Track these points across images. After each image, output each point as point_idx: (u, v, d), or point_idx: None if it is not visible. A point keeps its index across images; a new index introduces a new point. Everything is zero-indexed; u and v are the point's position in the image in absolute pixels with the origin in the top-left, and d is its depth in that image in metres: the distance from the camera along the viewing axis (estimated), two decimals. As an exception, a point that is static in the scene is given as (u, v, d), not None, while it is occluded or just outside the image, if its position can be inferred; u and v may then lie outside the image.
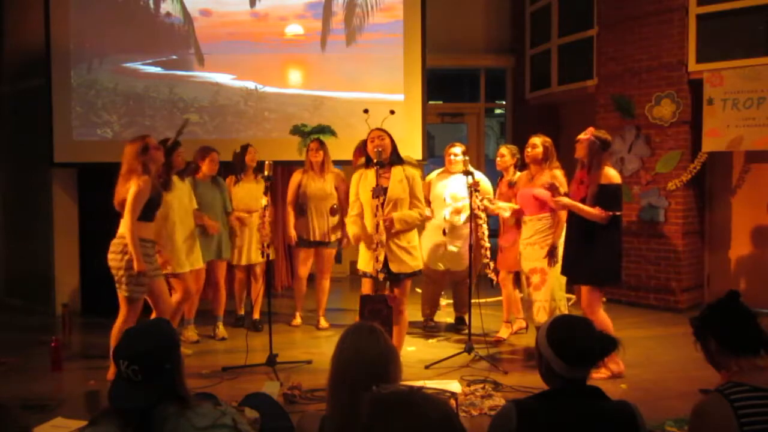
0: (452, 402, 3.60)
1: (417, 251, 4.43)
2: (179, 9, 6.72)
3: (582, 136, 4.35)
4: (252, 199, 5.59)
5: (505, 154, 5.39)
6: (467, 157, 5.21)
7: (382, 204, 4.20)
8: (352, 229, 4.44)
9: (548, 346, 1.96)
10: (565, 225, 4.73)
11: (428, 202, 5.41)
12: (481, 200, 5.03)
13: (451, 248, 5.42)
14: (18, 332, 5.91)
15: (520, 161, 5.33)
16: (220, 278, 5.53)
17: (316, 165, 5.71)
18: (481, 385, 4.12)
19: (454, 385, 4.15)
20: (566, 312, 4.65)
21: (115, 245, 4.20)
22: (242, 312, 6.00)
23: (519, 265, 4.95)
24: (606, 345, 1.97)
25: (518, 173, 5.24)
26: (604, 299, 4.80)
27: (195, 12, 6.74)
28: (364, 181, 4.36)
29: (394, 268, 4.27)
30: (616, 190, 4.26)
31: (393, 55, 6.73)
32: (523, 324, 5.50)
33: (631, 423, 1.89)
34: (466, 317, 5.25)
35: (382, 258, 4.21)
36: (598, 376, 4.17)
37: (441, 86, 9.07)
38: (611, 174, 4.27)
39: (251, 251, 5.67)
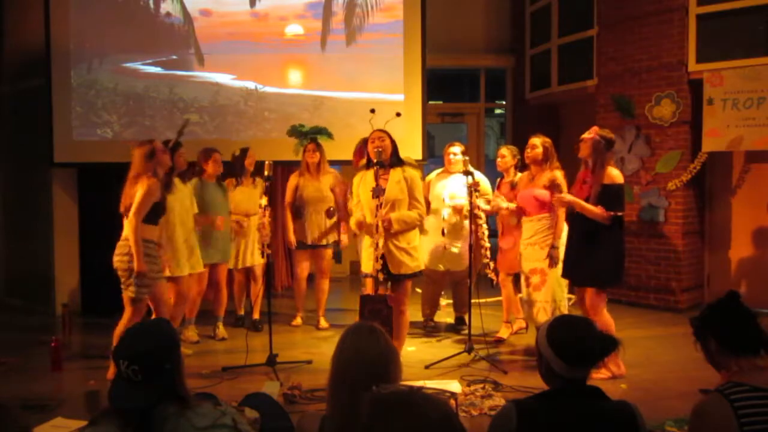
0: (452, 402, 3.61)
1: (417, 252, 4.43)
2: (179, 9, 6.72)
3: (586, 135, 4.35)
4: (250, 203, 5.60)
5: (506, 154, 5.39)
6: (467, 157, 5.21)
7: (380, 205, 4.20)
8: (353, 220, 4.43)
9: (548, 346, 1.96)
10: (564, 225, 4.74)
11: (428, 202, 5.41)
12: (479, 198, 5.04)
13: (452, 249, 5.42)
14: (18, 332, 5.91)
15: (520, 162, 5.32)
16: (221, 280, 5.53)
17: (312, 166, 5.71)
18: (481, 385, 4.12)
19: (454, 385, 4.15)
20: (567, 312, 4.65)
21: (120, 247, 4.22)
22: (242, 312, 6.00)
23: (518, 266, 4.94)
24: (606, 345, 1.97)
25: (519, 174, 5.23)
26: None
27: (195, 12, 6.74)
28: (363, 182, 4.37)
29: (393, 269, 4.27)
30: (619, 190, 4.26)
31: (393, 55, 6.73)
32: (523, 324, 5.50)
33: (631, 423, 1.89)
34: (466, 317, 5.25)
35: (380, 259, 4.21)
36: (599, 377, 4.16)
37: (441, 86, 9.07)
38: (614, 174, 4.26)
39: (249, 254, 5.68)
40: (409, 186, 4.33)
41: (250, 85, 6.74)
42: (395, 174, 4.33)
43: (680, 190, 6.33)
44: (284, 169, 6.70)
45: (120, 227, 4.30)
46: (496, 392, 4.01)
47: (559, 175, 4.72)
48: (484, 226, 5.28)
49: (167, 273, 4.75)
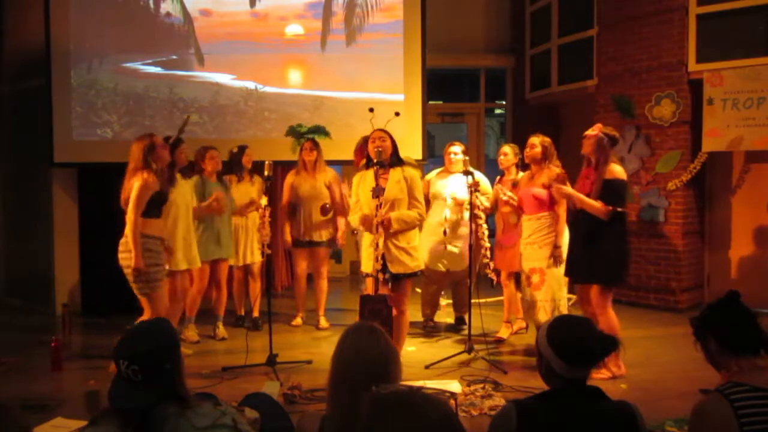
0: (451, 402, 3.61)
1: (417, 252, 4.43)
2: (179, 9, 6.72)
3: (590, 132, 4.35)
4: (247, 200, 5.62)
5: (508, 152, 5.39)
6: (467, 157, 5.21)
7: (380, 204, 4.20)
8: (356, 218, 4.41)
9: (548, 346, 1.96)
10: (565, 225, 4.74)
11: (427, 201, 5.41)
12: (480, 197, 5.05)
13: (452, 248, 5.42)
14: (18, 332, 5.91)
15: (521, 161, 5.33)
16: (222, 277, 5.54)
17: (309, 164, 5.72)
18: (481, 385, 4.12)
19: (454, 385, 4.15)
20: (566, 312, 4.65)
21: (123, 244, 4.22)
22: (242, 312, 6.01)
23: (518, 266, 4.94)
24: (606, 345, 1.97)
25: (521, 173, 5.23)
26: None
27: (195, 12, 6.75)
28: (363, 182, 4.37)
29: (392, 269, 4.27)
30: (620, 186, 4.24)
31: (393, 55, 6.73)
32: (523, 324, 5.50)
33: (631, 423, 1.89)
34: (466, 317, 5.25)
35: (380, 258, 4.21)
36: (599, 377, 4.16)
37: (441, 86, 9.06)
38: (616, 170, 4.26)
39: (248, 251, 5.69)
40: (408, 186, 4.33)
41: (250, 85, 6.74)
42: (395, 174, 4.33)
43: (680, 190, 6.33)
44: (284, 168, 6.69)
45: (121, 226, 4.28)
46: (496, 392, 4.01)
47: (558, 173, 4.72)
48: (484, 226, 5.28)
49: (166, 267, 4.74)
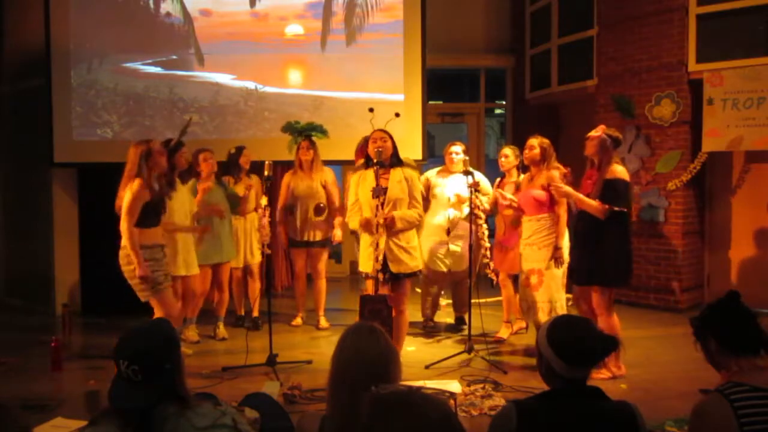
0: (451, 402, 3.61)
1: (416, 251, 4.43)
2: (179, 9, 6.72)
3: (593, 133, 4.35)
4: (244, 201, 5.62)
5: (509, 154, 5.38)
6: (467, 157, 5.22)
7: (382, 204, 4.20)
8: (355, 221, 4.40)
9: (548, 346, 1.96)
10: (565, 226, 4.74)
11: (425, 200, 5.40)
12: (480, 197, 5.04)
13: (454, 248, 5.42)
14: (18, 332, 5.91)
15: (522, 163, 5.32)
16: (224, 280, 5.54)
17: (305, 164, 5.72)
18: (481, 385, 4.12)
19: (454, 385, 4.15)
20: (565, 312, 4.65)
21: (122, 257, 4.21)
22: (242, 312, 6.01)
23: (517, 266, 4.94)
24: (606, 345, 1.97)
25: (522, 175, 5.23)
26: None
27: (195, 12, 6.75)
28: (363, 182, 4.37)
29: (393, 268, 4.27)
30: (620, 186, 4.22)
31: (393, 55, 6.73)
32: (523, 324, 5.50)
33: (631, 423, 1.89)
34: (466, 317, 5.26)
35: (381, 258, 4.21)
36: (599, 377, 4.16)
37: (441, 86, 9.06)
38: (618, 170, 4.26)
39: (247, 251, 5.69)
40: (409, 186, 4.35)
41: (250, 85, 6.74)
42: (396, 174, 4.34)
43: (680, 190, 6.33)
44: (284, 168, 6.68)
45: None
46: (496, 392, 4.01)
47: (555, 174, 4.72)
48: (484, 226, 5.28)
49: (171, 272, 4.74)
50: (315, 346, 5.27)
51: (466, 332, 5.04)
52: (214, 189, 5.37)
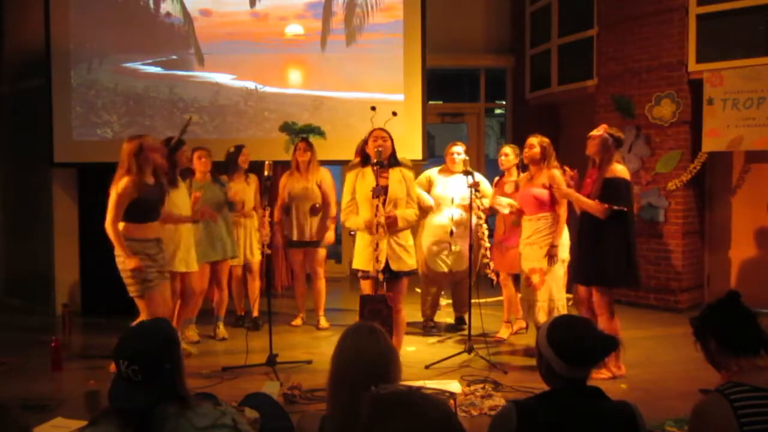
0: (451, 402, 3.61)
1: (413, 250, 4.44)
2: (179, 9, 6.72)
3: (595, 132, 4.35)
4: (244, 199, 5.61)
5: (509, 153, 5.39)
6: (467, 157, 5.22)
7: (383, 203, 4.20)
8: (355, 220, 4.38)
9: (548, 346, 1.96)
10: (564, 225, 4.74)
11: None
12: (481, 198, 5.04)
13: (455, 248, 5.42)
14: (18, 332, 5.91)
15: (522, 161, 5.32)
16: (223, 278, 5.53)
17: (302, 165, 5.72)
18: (481, 385, 4.12)
19: (454, 385, 4.15)
20: (565, 312, 4.65)
21: (117, 254, 4.18)
22: (242, 312, 6.01)
23: (518, 266, 4.94)
24: (606, 345, 1.97)
25: (521, 174, 5.23)
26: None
27: (195, 12, 6.75)
28: (361, 181, 4.35)
29: (394, 266, 4.27)
30: (620, 185, 4.21)
31: (393, 55, 6.73)
32: (523, 324, 5.50)
33: (631, 423, 1.89)
34: (466, 317, 5.26)
35: (383, 258, 4.21)
36: (599, 377, 4.16)
37: (441, 86, 9.06)
38: (618, 169, 4.25)
39: (248, 251, 5.68)
40: (407, 185, 4.37)
41: (250, 85, 6.74)
42: (394, 173, 4.34)
43: (680, 190, 6.33)
44: (284, 168, 6.68)
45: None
46: (496, 392, 4.01)
47: (556, 173, 4.72)
48: (484, 226, 5.28)
49: (168, 267, 4.72)
50: (315, 346, 5.27)
51: (466, 332, 5.04)
52: (208, 186, 5.35)
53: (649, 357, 4.83)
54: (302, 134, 5.84)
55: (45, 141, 6.53)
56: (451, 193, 5.45)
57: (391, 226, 4.24)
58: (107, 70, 6.68)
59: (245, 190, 5.69)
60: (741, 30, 6.00)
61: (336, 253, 8.17)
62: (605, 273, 4.22)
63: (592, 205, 4.21)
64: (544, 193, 4.73)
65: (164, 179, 4.46)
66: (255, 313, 5.85)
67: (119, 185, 4.10)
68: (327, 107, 6.68)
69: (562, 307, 4.68)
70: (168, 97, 6.71)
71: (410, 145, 6.43)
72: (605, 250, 4.22)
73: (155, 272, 4.22)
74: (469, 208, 5.04)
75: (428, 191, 5.51)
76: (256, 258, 5.75)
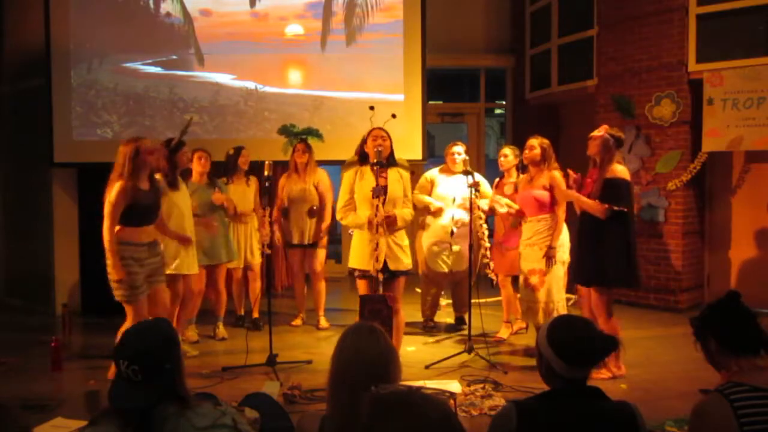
0: (451, 402, 3.61)
1: (408, 250, 4.44)
2: (179, 9, 6.72)
3: (596, 133, 4.35)
4: (244, 202, 5.62)
5: (509, 154, 5.39)
6: (467, 157, 5.22)
7: (383, 203, 4.20)
8: (355, 219, 4.37)
9: (548, 346, 1.96)
10: (563, 226, 4.74)
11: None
12: (481, 198, 5.04)
13: (456, 248, 5.42)
14: (18, 332, 5.91)
15: (521, 162, 5.32)
16: (219, 280, 5.53)
17: (300, 166, 5.72)
18: (481, 385, 4.12)
19: (454, 385, 4.15)
20: (565, 312, 4.65)
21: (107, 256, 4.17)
22: (242, 312, 6.01)
23: (518, 268, 4.94)
24: (606, 345, 1.97)
25: (521, 175, 5.23)
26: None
27: (195, 12, 6.75)
28: (360, 180, 4.35)
29: (392, 266, 4.27)
30: (620, 185, 4.21)
31: (393, 55, 6.73)
32: (523, 324, 5.50)
33: (631, 423, 1.89)
34: (466, 317, 5.26)
35: (382, 258, 4.21)
36: (599, 377, 4.16)
37: (441, 86, 9.06)
38: (618, 169, 4.25)
39: (248, 251, 5.68)
40: (404, 185, 4.39)
41: (250, 85, 6.74)
42: (393, 173, 4.35)
43: (680, 190, 6.33)
44: (284, 169, 6.69)
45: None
46: (496, 392, 4.01)
47: (557, 175, 4.72)
48: (484, 226, 5.28)
49: (172, 270, 4.72)
50: (315, 346, 5.27)
51: (466, 332, 5.04)
52: (203, 190, 5.32)
53: (649, 357, 4.83)
54: (300, 136, 5.84)
55: (45, 141, 6.53)
56: (452, 193, 5.45)
57: (391, 226, 4.24)
58: (107, 70, 6.68)
59: (245, 191, 5.68)
60: (741, 30, 6.00)
61: (336, 253, 8.17)
62: (605, 273, 4.22)
63: (593, 205, 4.21)
64: (544, 195, 4.73)
65: (159, 183, 4.43)
66: (255, 314, 5.85)
67: (111, 194, 4.06)
68: (327, 107, 6.68)
69: (561, 308, 4.68)
70: (168, 97, 6.71)
71: (410, 145, 6.43)
72: (605, 251, 4.22)
73: (143, 279, 4.17)
74: (470, 208, 5.04)
75: (430, 192, 5.51)
76: (257, 258, 5.75)
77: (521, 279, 4.85)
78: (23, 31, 6.96)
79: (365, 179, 4.32)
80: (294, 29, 6.80)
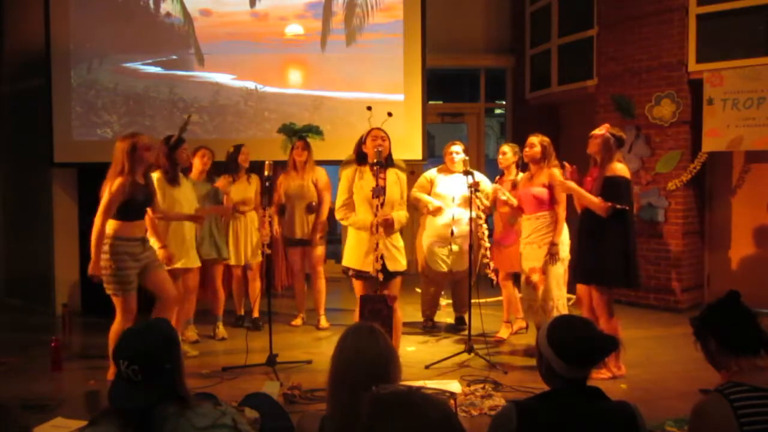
0: (451, 402, 3.61)
1: (404, 250, 4.45)
2: (179, 9, 6.72)
3: (597, 131, 4.35)
4: (245, 200, 5.61)
5: (507, 152, 5.39)
6: (467, 157, 5.22)
7: (382, 204, 4.21)
8: (356, 220, 4.35)
9: (548, 346, 1.96)
10: (564, 223, 4.74)
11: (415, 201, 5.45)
12: (481, 196, 5.05)
13: (456, 248, 5.42)
14: (18, 332, 5.91)
15: (521, 160, 5.32)
16: (217, 279, 5.53)
17: (299, 164, 5.73)
18: (481, 385, 4.12)
19: (454, 385, 4.15)
20: (565, 311, 4.65)
21: (104, 251, 4.16)
22: (242, 312, 6.01)
23: (518, 265, 4.95)
24: (606, 345, 1.97)
25: (521, 174, 5.23)
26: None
27: (195, 12, 6.75)
28: (360, 180, 4.34)
29: (390, 266, 4.27)
30: (621, 183, 4.21)
31: (393, 55, 6.73)
32: (523, 324, 5.50)
33: (631, 423, 1.89)
34: (466, 317, 5.25)
35: (380, 258, 4.21)
36: (599, 377, 4.16)
37: (441, 86, 9.06)
38: (618, 167, 4.25)
39: (247, 250, 5.68)
40: (401, 187, 4.40)
41: (250, 85, 6.74)
42: (391, 175, 4.36)
43: (680, 190, 6.33)
44: (284, 169, 6.69)
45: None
46: (496, 392, 4.01)
47: (556, 172, 4.72)
48: (484, 226, 5.28)
49: (180, 265, 4.71)
50: (315, 346, 5.27)
51: (466, 332, 5.04)
52: (203, 185, 5.33)
53: (649, 357, 4.83)
54: (300, 133, 5.84)
55: (45, 141, 6.53)
56: (451, 192, 5.45)
57: (388, 228, 4.25)
58: (107, 70, 6.68)
59: (246, 189, 5.68)
60: (741, 30, 6.00)
61: (336, 253, 8.16)
62: (605, 272, 4.22)
63: (596, 203, 4.21)
64: (543, 193, 4.73)
65: (151, 180, 4.44)
66: (255, 314, 5.84)
67: (114, 184, 4.09)
68: (327, 107, 6.68)
69: (562, 307, 4.67)
70: (168, 97, 6.72)
71: (410, 145, 6.43)
72: (605, 249, 4.22)
73: (135, 275, 4.19)
74: (470, 208, 5.04)
75: (430, 192, 5.51)
76: (257, 258, 5.74)
77: (522, 278, 4.85)
78: (23, 31, 6.96)
79: (365, 179, 4.32)
80: (294, 29, 6.80)
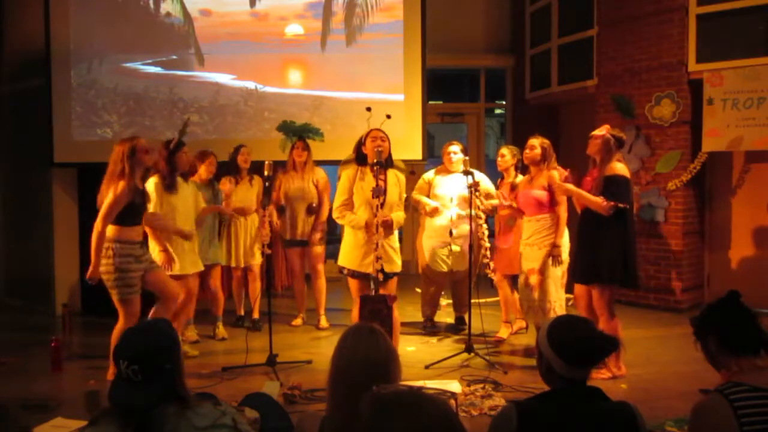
0: (452, 402, 3.61)
1: (399, 251, 4.46)
2: (179, 9, 6.72)
3: (597, 132, 4.36)
4: (246, 202, 5.61)
5: (506, 154, 5.39)
6: (466, 157, 5.21)
7: (382, 205, 4.21)
8: (354, 219, 4.35)
9: (549, 346, 1.96)
10: (565, 225, 4.74)
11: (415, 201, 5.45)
12: (481, 196, 5.05)
13: (456, 248, 5.42)
14: (18, 332, 5.91)
15: (520, 162, 5.32)
16: (215, 282, 5.52)
17: (299, 164, 5.72)
18: (481, 385, 4.12)
19: (454, 385, 4.15)
20: (564, 312, 4.65)
21: (104, 255, 4.16)
22: (242, 312, 6.00)
23: (517, 267, 4.94)
24: (606, 345, 1.97)
25: (520, 176, 5.23)
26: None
27: (195, 12, 6.75)
28: (360, 181, 4.34)
29: (387, 267, 4.27)
30: (621, 183, 4.21)
31: (393, 55, 6.73)
32: (523, 324, 5.50)
33: (631, 423, 1.89)
34: (466, 317, 5.25)
35: (380, 258, 4.22)
36: (599, 377, 4.16)
37: (441, 86, 9.07)
38: (618, 167, 4.26)
39: (248, 251, 5.67)
40: (400, 188, 4.41)
41: (250, 85, 6.74)
42: (391, 176, 4.36)
43: (680, 190, 6.33)
44: (283, 169, 6.69)
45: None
46: (496, 392, 4.01)
47: (556, 174, 4.72)
48: (484, 226, 5.28)
49: (176, 271, 4.72)
50: (315, 346, 5.27)
51: (466, 332, 5.04)
52: (206, 191, 5.32)
53: (649, 357, 4.83)
54: (299, 133, 5.83)
55: (45, 141, 6.53)
56: (450, 192, 5.45)
57: (387, 229, 4.26)
58: (107, 70, 6.68)
59: (247, 191, 5.67)
60: (741, 30, 6.00)
61: (336, 252, 8.15)
62: (603, 271, 4.22)
63: (597, 202, 4.21)
64: (543, 195, 4.73)
65: (164, 183, 4.44)
66: (255, 314, 5.83)
67: (117, 189, 4.08)
68: (327, 107, 6.69)
69: (560, 308, 4.67)
70: (168, 97, 6.72)
71: (410, 145, 6.44)
72: (605, 249, 4.22)
73: (138, 278, 4.18)
74: (469, 208, 5.04)
75: (428, 193, 5.50)
76: (257, 259, 5.74)
77: (521, 279, 4.85)
78: (23, 31, 6.96)
79: (366, 180, 4.32)
80: (294, 29, 6.80)
